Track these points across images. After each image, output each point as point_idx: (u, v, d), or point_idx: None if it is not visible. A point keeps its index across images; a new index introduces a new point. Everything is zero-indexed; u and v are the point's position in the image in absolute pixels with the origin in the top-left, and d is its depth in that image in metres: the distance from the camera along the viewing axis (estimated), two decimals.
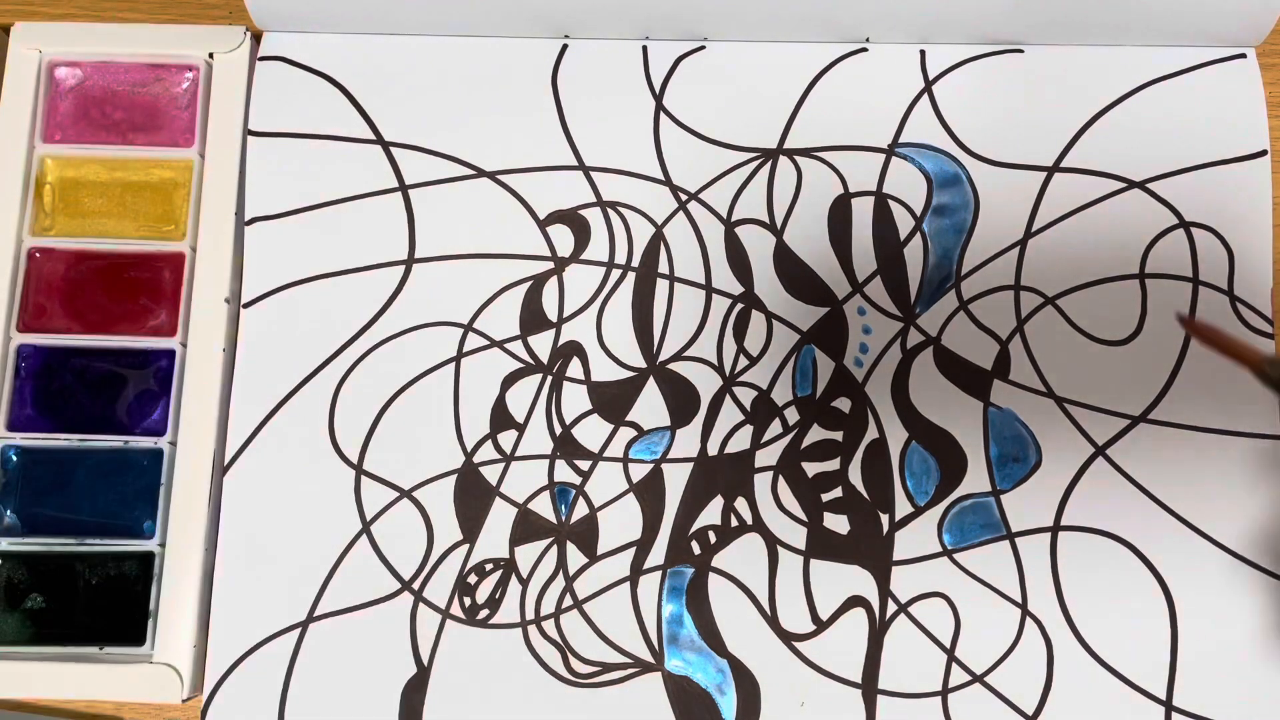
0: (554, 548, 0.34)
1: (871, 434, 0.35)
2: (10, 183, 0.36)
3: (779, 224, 0.36)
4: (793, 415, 0.35)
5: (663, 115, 0.37)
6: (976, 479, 0.34)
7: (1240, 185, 0.35)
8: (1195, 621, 0.33)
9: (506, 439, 0.35)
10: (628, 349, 0.35)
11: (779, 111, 0.37)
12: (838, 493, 0.34)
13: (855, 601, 0.33)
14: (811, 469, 0.34)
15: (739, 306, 0.35)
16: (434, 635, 0.33)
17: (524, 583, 0.34)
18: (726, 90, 0.37)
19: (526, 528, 0.34)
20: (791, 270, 0.36)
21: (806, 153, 0.36)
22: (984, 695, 0.33)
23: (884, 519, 0.34)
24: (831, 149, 0.36)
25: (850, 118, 0.36)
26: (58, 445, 0.34)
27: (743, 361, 0.35)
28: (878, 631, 0.33)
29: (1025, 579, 0.33)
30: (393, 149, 0.37)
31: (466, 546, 0.34)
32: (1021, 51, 0.37)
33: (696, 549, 0.34)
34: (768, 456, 0.34)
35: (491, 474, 0.35)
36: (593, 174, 0.36)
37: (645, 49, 0.37)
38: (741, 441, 0.35)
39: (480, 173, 0.36)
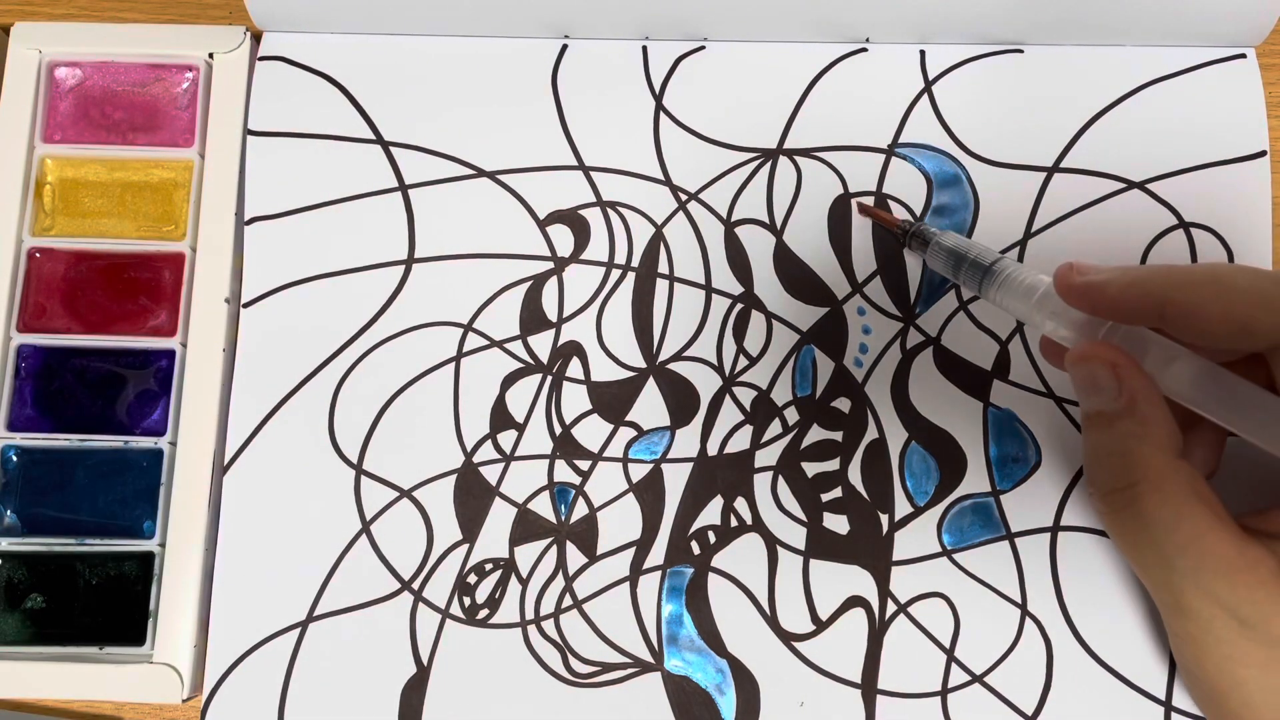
0: (554, 548, 0.34)
1: (871, 434, 0.35)
2: (10, 183, 0.36)
3: (779, 224, 0.36)
4: (792, 415, 0.35)
5: (663, 115, 0.37)
6: (976, 479, 0.34)
7: (1240, 185, 0.35)
8: None
9: (506, 439, 0.35)
10: (627, 349, 0.35)
11: (779, 111, 0.37)
12: (837, 493, 0.34)
13: (855, 602, 0.34)
14: (811, 469, 0.34)
15: (739, 306, 0.35)
16: (434, 635, 0.34)
17: (524, 583, 0.34)
18: (726, 90, 0.37)
19: (526, 528, 0.34)
20: (791, 270, 0.36)
21: (806, 153, 0.36)
22: (984, 695, 0.33)
23: (884, 519, 0.34)
24: (831, 149, 0.36)
25: (850, 118, 0.36)
26: (58, 445, 0.34)
27: (742, 361, 0.35)
28: (877, 632, 0.33)
29: (1025, 579, 0.33)
30: (393, 149, 0.37)
31: (466, 546, 0.34)
32: (1021, 51, 0.37)
33: (696, 549, 0.34)
34: (767, 456, 0.34)
35: (491, 474, 0.35)
36: (593, 174, 0.36)
37: (645, 49, 0.37)
38: (741, 441, 0.35)
39: (480, 173, 0.36)
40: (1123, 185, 0.36)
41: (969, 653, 0.33)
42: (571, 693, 0.33)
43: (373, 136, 0.37)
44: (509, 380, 0.35)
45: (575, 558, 0.34)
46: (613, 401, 0.35)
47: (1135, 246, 0.35)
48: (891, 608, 0.33)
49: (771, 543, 0.34)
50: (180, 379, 0.35)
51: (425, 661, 0.33)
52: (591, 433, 0.35)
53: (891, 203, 0.36)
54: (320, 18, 0.37)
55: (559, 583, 0.34)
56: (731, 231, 0.36)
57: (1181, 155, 0.36)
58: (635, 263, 0.36)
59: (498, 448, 0.35)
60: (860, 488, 0.34)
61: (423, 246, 0.36)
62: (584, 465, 0.35)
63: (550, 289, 0.36)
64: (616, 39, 0.37)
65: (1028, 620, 0.33)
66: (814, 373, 0.35)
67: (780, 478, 0.34)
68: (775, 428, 0.35)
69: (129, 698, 0.33)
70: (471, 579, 0.34)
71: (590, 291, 0.36)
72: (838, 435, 0.35)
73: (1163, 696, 0.33)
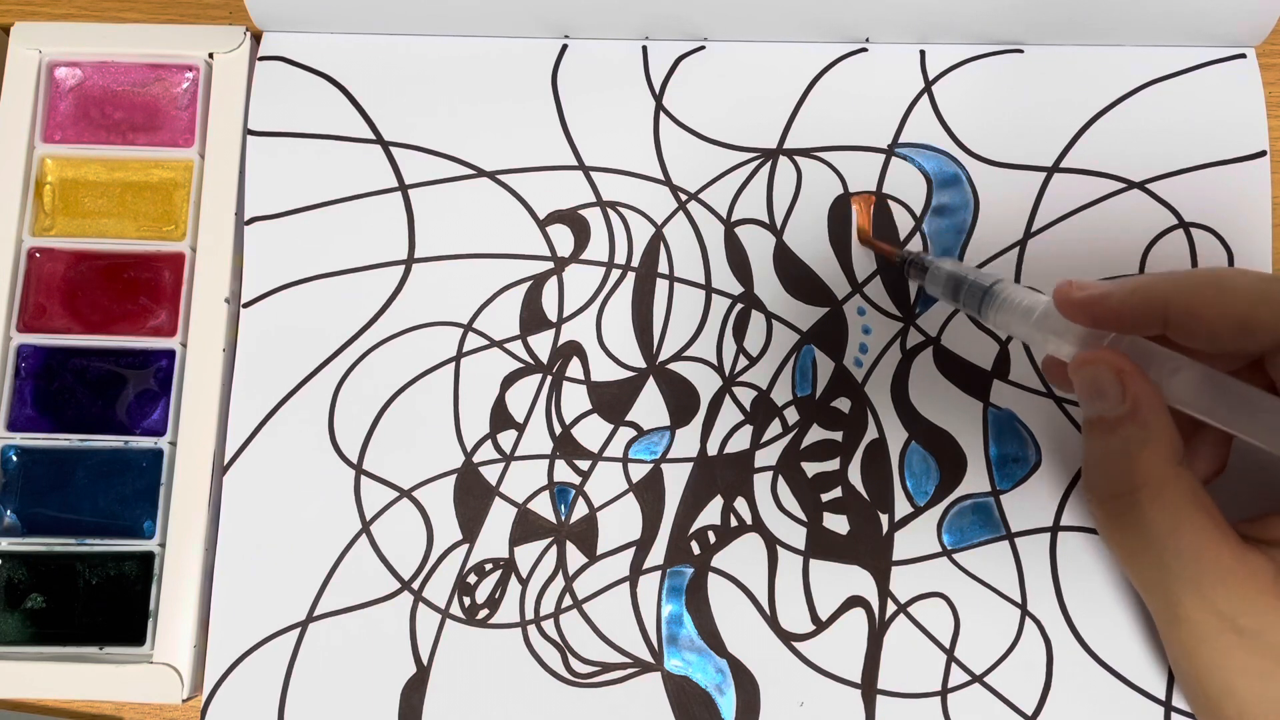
0: (554, 548, 0.34)
1: (871, 434, 0.35)
2: (10, 183, 0.36)
3: (779, 224, 0.36)
4: (792, 415, 0.35)
5: (663, 115, 0.37)
6: (976, 479, 0.34)
7: (1240, 186, 0.35)
8: None
9: (506, 439, 0.35)
10: (627, 349, 0.35)
11: (779, 111, 0.37)
12: (837, 493, 0.34)
13: (855, 601, 0.34)
14: (811, 469, 0.34)
15: (739, 306, 0.35)
16: (434, 635, 0.34)
17: (524, 583, 0.34)
18: (726, 90, 0.37)
19: (526, 528, 0.34)
20: (791, 270, 0.36)
21: (806, 153, 0.36)
22: (983, 695, 0.33)
23: (884, 519, 0.34)
24: (831, 149, 0.36)
25: (850, 118, 0.36)
26: (58, 445, 0.34)
27: (742, 361, 0.35)
28: (877, 632, 0.33)
29: (1025, 579, 0.33)
30: (393, 149, 0.37)
31: (466, 546, 0.34)
32: (1021, 51, 0.37)
33: (696, 549, 0.34)
34: (767, 456, 0.34)
35: (491, 474, 0.35)
36: (593, 174, 0.36)
37: (645, 49, 0.37)
38: (741, 441, 0.35)
39: (480, 173, 0.36)
40: (1123, 185, 0.36)
41: (969, 653, 0.33)
42: (571, 693, 0.33)
43: (373, 136, 0.37)
44: (509, 380, 0.35)
45: (575, 558, 0.34)
46: (613, 401, 0.35)
47: (1135, 246, 0.35)
48: (891, 608, 0.33)
49: (771, 543, 0.34)
50: (180, 379, 0.35)
51: (425, 661, 0.33)
52: (591, 433, 0.35)
53: (891, 204, 0.36)
54: (320, 18, 0.37)
55: (559, 583, 0.34)
56: (731, 231, 0.36)
57: (1181, 155, 0.36)
58: (635, 263, 0.36)
59: (498, 448, 0.35)
60: (860, 488, 0.34)
61: (423, 246, 0.36)
62: (584, 465, 0.35)
63: (550, 289, 0.36)
64: (616, 39, 0.37)
65: (1028, 620, 0.33)
66: (814, 373, 0.35)
67: (780, 478, 0.34)
68: (775, 428, 0.35)
69: (129, 698, 0.33)
70: (471, 579, 0.34)
71: (590, 291, 0.36)
72: (838, 435, 0.35)
73: (1163, 696, 0.33)
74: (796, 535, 0.34)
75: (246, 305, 0.36)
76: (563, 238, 0.36)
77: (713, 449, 0.35)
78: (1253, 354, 0.27)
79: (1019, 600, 0.33)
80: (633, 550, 0.34)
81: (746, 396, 0.35)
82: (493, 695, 0.33)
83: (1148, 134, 0.36)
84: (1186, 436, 0.29)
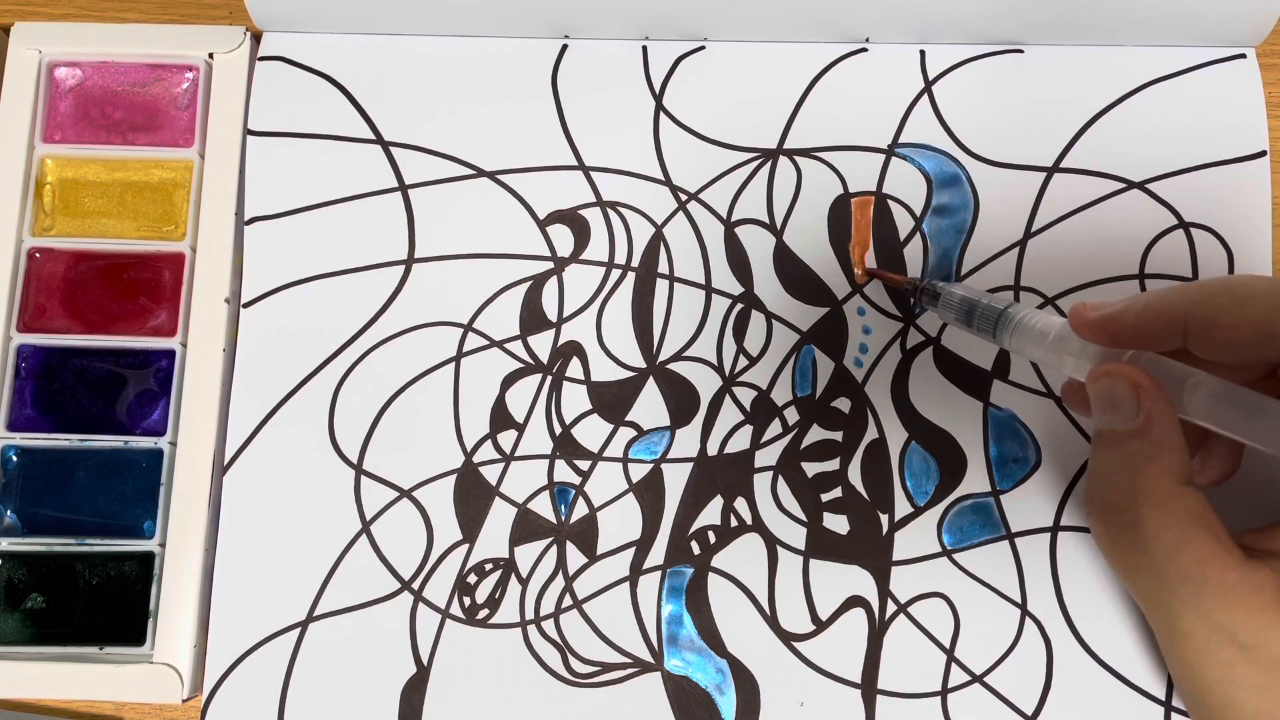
0: (554, 548, 0.34)
1: (871, 434, 0.35)
2: (10, 183, 0.36)
3: (779, 224, 0.36)
4: (792, 415, 0.35)
5: (663, 115, 0.37)
6: (976, 479, 0.34)
7: (1240, 186, 0.35)
8: None
9: (506, 439, 0.35)
10: (627, 349, 0.35)
11: (779, 112, 0.37)
12: (837, 493, 0.34)
13: (855, 601, 0.34)
14: (811, 469, 0.34)
15: (739, 306, 0.35)
16: (434, 635, 0.34)
17: (524, 583, 0.34)
18: (726, 90, 0.37)
19: (526, 528, 0.34)
20: (791, 270, 0.36)
21: (806, 153, 0.36)
22: (984, 695, 0.33)
23: (884, 519, 0.34)
24: (831, 149, 0.36)
25: (850, 118, 0.36)
26: (58, 445, 0.34)
27: (742, 361, 0.35)
28: (877, 632, 0.33)
29: (1025, 579, 0.33)
30: (393, 149, 0.37)
31: (466, 546, 0.34)
32: (1021, 51, 0.37)
33: (696, 549, 0.34)
34: (767, 456, 0.34)
35: (491, 474, 0.35)
36: (593, 174, 0.36)
37: (645, 49, 0.37)
38: (741, 441, 0.35)
39: (480, 173, 0.36)
40: (1123, 185, 0.36)
41: (969, 653, 0.33)
42: (571, 693, 0.33)
43: (373, 136, 0.37)
44: (509, 380, 0.35)
45: (575, 558, 0.34)
46: (613, 401, 0.35)
47: (1135, 247, 0.35)
48: (891, 608, 0.33)
49: (771, 543, 0.34)
50: (180, 379, 0.35)
51: (425, 661, 0.33)
52: (591, 433, 0.35)
53: (892, 204, 0.36)
54: (320, 18, 0.37)
55: (559, 583, 0.34)
56: (731, 231, 0.36)
57: (1181, 155, 0.36)
58: (635, 263, 0.36)
59: (498, 448, 0.35)
60: (860, 488, 0.34)
61: (423, 246, 0.36)
62: (584, 465, 0.35)
63: (550, 289, 0.36)
64: (616, 39, 0.37)
65: (1028, 620, 0.33)
66: (814, 373, 0.35)
67: (780, 478, 0.34)
68: (775, 428, 0.35)
69: (129, 698, 0.33)
70: (471, 579, 0.34)
71: (590, 291, 0.36)
72: (838, 435, 0.35)
73: (1162, 696, 0.33)
74: (796, 535, 0.34)
75: (246, 305, 0.36)
76: (563, 238, 0.36)
77: (713, 449, 0.35)
78: (1272, 361, 0.27)
79: (1019, 600, 0.33)
80: (633, 550, 0.34)
81: (746, 396, 0.35)
82: (493, 695, 0.33)
83: (1148, 134, 0.36)
84: (1199, 441, 0.29)
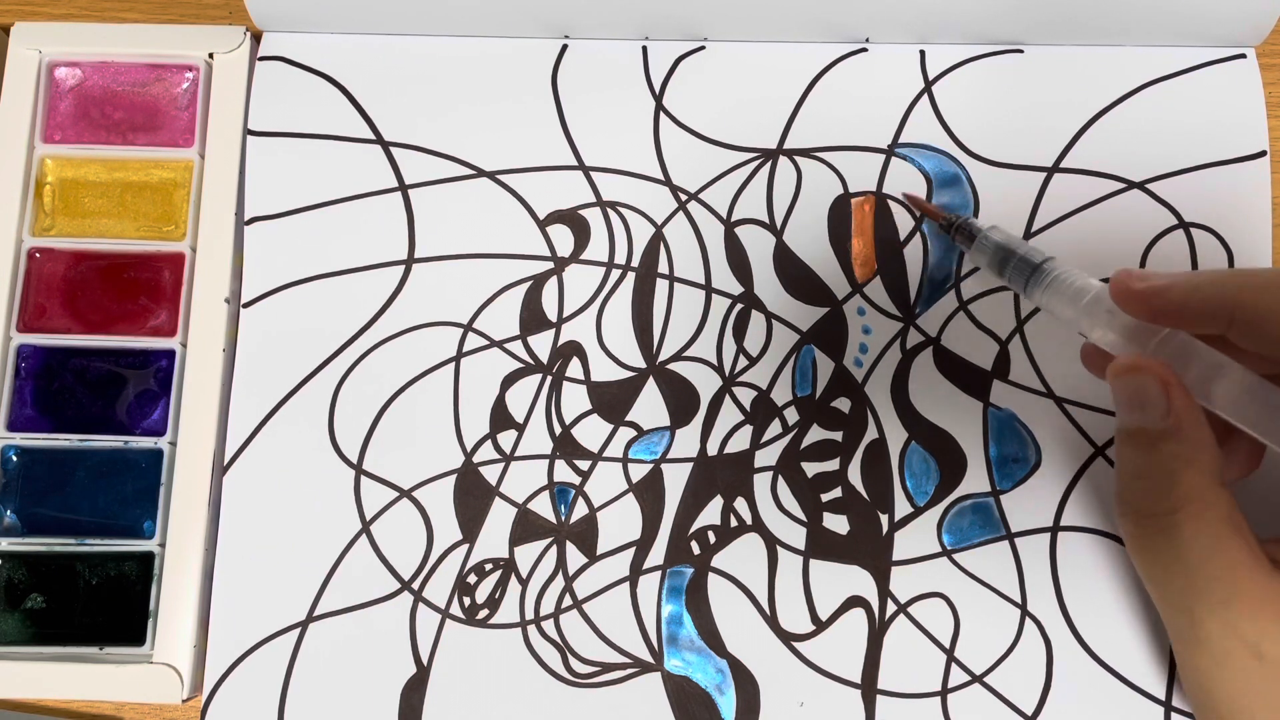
0: (554, 548, 0.34)
1: (871, 434, 0.35)
2: (10, 183, 0.36)
3: (779, 224, 0.36)
4: (792, 415, 0.35)
5: (663, 115, 0.37)
6: (976, 479, 0.34)
7: (1240, 186, 0.35)
8: None
9: (506, 439, 0.35)
10: (627, 349, 0.35)
11: (779, 112, 0.37)
12: (837, 493, 0.34)
13: (855, 602, 0.34)
14: (811, 469, 0.34)
15: (739, 306, 0.35)
16: (433, 635, 0.34)
17: (524, 583, 0.34)
18: (726, 90, 0.37)
19: (526, 528, 0.34)
20: (791, 270, 0.36)
21: (806, 153, 0.36)
22: (983, 695, 0.33)
23: (883, 519, 0.34)
24: (831, 149, 0.36)
25: (850, 118, 0.36)
26: (58, 445, 0.34)
27: (742, 361, 0.35)
28: (877, 632, 0.33)
29: (1025, 579, 0.33)
30: (393, 149, 0.37)
31: (466, 546, 0.34)
32: (1021, 51, 0.37)
33: (696, 549, 0.34)
34: (767, 456, 0.34)
35: (491, 474, 0.35)
36: (593, 174, 0.36)
37: (645, 49, 0.37)
38: (741, 441, 0.35)
39: (480, 173, 0.36)
40: (1123, 185, 0.36)
41: (969, 653, 0.33)
42: (571, 693, 0.33)
43: (373, 136, 0.37)
44: (509, 380, 0.35)
45: (575, 558, 0.34)
46: (613, 401, 0.35)
47: (1135, 247, 0.35)
48: (891, 608, 0.33)
49: (771, 543, 0.34)
50: (180, 379, 0.35)
51: (425, 661, 0.33)
52: (591, 433, 0.35)
53: (892, 204, 0.36)
54: (320, 18, 0.37)
55: (559, 583, 0.34)
56: (731, 231, 0.36)
57: (1181, 155, 0.36)
58: (635, 263, 0.36)
59: (498, 448, 0.35)
60: (860, 488, 0.34)
61: (423, 246, 0.36)
62: (584, 465, 0.35)
63: (550, 289, 0.36)
64: (616, 39, 0.37)
65: (1028, 620, 0.33)
66: (814, 373, 0.35)
67: (780, 478, 0.34)
68: (775, 428, 0.35)
69: (129, 698, 0.33)
70: (471, 579, 0.34)
71: (590, 291, 0.36)
72: (838, 435, 0.35)
73: (1163, 696, 0.33)
74: (796, 535, 0.34)
75: (246, 305, 0.36)
76: (563, 238, 0.36)
77: (713, 449, 0.35)
78: None
79: (1019, 600, 0.33)
80: (633, 550, 0.34)
81: (746, 396, 0.35)
82: (493, 695, 0.33)
83: (1148, 134, 0.36)
84: (1221, 437, 0.28)
